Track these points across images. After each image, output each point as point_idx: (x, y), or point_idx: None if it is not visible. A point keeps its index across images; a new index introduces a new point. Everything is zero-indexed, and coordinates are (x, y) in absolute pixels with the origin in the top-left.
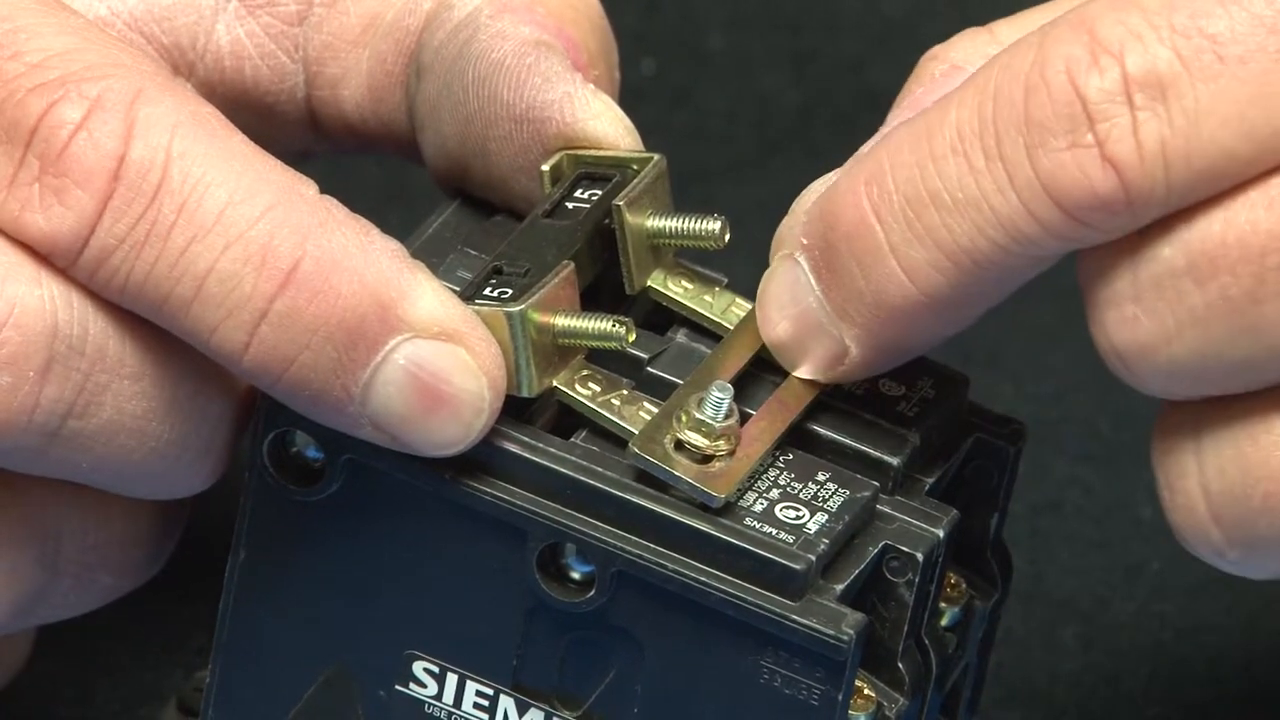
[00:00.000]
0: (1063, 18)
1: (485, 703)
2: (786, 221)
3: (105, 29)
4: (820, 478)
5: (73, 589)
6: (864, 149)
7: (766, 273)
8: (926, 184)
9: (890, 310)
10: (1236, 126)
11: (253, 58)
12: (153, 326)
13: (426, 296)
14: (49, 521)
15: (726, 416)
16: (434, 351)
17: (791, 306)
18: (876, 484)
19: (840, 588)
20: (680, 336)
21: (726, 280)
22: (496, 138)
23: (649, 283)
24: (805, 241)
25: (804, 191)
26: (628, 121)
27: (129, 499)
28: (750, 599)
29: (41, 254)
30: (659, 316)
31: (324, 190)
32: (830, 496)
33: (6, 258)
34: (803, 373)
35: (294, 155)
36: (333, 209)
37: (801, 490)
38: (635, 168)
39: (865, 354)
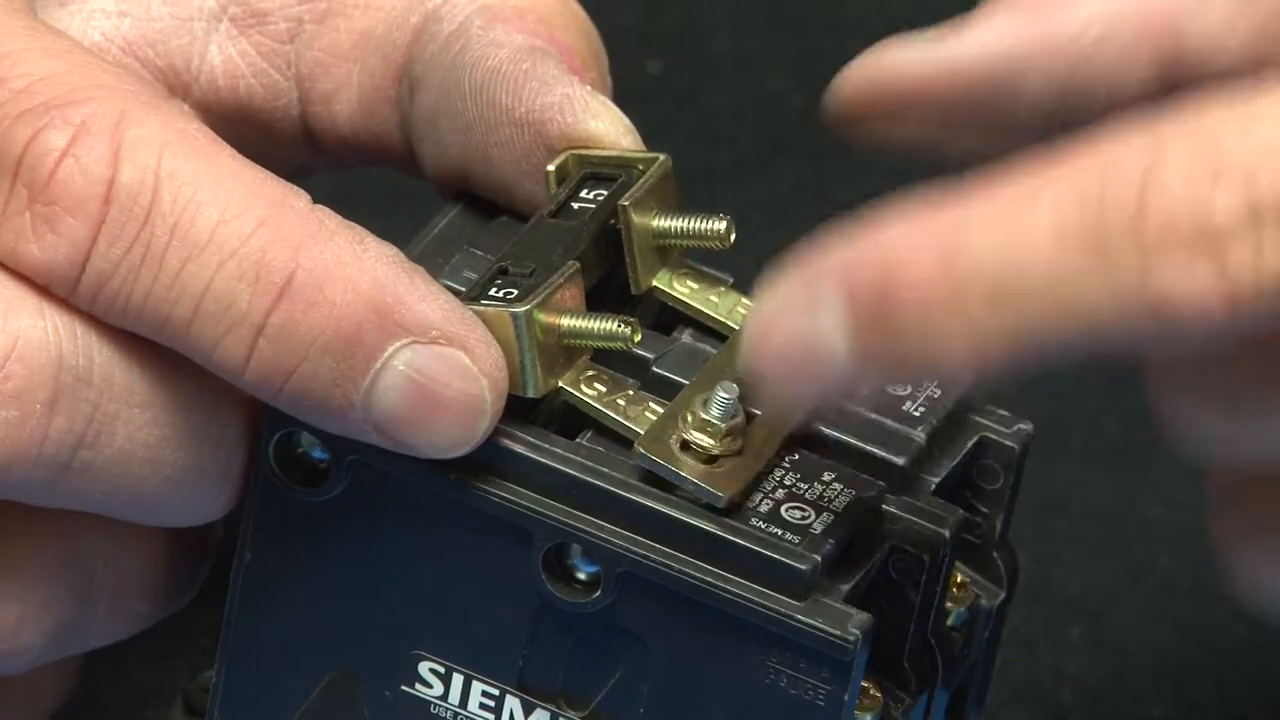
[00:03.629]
0: (1182, 122)
1: (491, 703)
2: (799, 268)
3: (100, 54)
4: (826, 478)
5: (108, 616)
6: (937, 202)
7: (768, 308)
8: (1014, 264)
9: (932, 375)
10: None
11: (246, 76)
12: (161, 353)
13: (424, 301)
14: (81, 550)
15: (732, 416)
16: (433, 356)
17: (803, 357)
18: (882, 484)
19: (846, 588)
20: (686, 336)
21: (732, 280)
22: (498, 143)
23: (654, 283)
24: (849, 291)
25: (826, 237)
26: (627, 121)
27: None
28: (756, 599)
29: (41, 284)
30: (664, 316)
31: (330, 194)
32: (836, 497)
33: (6, 290)
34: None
35: (293, 171)
36: (325, 219)
37: (807, 490)
38: (641, 168)
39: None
